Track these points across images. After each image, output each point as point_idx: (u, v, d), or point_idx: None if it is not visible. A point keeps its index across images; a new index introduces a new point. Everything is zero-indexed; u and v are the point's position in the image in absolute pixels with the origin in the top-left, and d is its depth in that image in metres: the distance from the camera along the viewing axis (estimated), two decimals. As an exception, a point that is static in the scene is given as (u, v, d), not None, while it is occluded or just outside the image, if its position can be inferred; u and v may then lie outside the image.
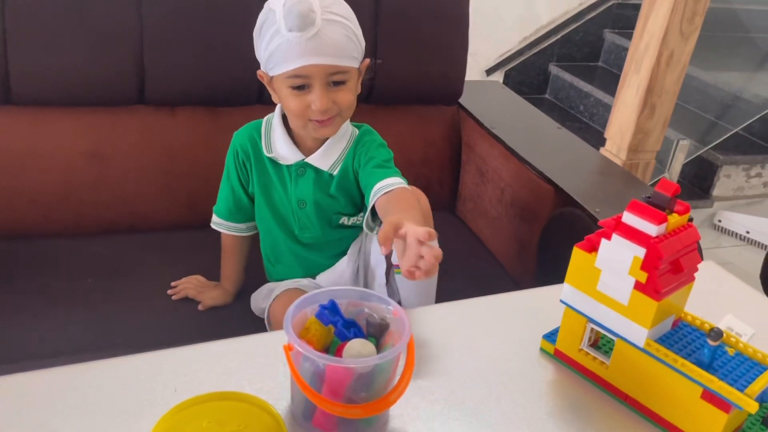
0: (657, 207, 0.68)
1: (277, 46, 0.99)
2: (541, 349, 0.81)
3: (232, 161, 1.17)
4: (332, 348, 0.68)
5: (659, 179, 2.46)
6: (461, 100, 1.68)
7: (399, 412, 0.70)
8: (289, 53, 0.99)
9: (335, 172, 1.11)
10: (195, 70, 1.41)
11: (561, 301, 0.76)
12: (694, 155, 2.77)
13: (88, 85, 1.37)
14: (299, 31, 0.96)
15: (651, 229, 0.67)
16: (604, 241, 0.70)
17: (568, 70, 3.39)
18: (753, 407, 0.63)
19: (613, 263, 0.70)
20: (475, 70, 3.31)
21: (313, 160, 1.10)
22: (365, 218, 1.05)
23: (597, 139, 2.17)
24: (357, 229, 1.18)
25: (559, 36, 3.43)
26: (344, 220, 1.16)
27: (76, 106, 1.39)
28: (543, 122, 1.68)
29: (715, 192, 2.80)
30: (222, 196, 1.23)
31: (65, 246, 1.39)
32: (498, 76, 3.40)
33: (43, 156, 1.38)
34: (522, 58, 3.41)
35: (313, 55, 0.98)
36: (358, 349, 0.66)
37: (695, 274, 0.73)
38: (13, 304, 1.23)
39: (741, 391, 0.64)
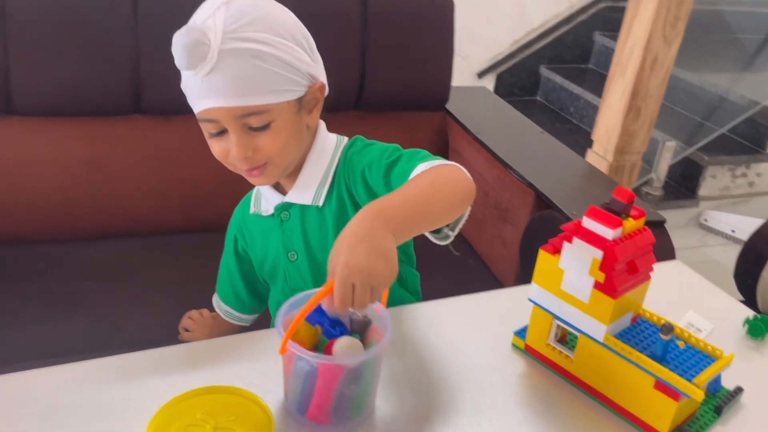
0: (614, 212, 0.74)
1: (185, 82, 0.83)
2: (513, 345, 0.87)
3: (230, 242, 1.06)
4: (321, 346, 0.74)
5: (646, 179, 2.49)
6: (448, 106, 1.73)
7: (380, 402, 0.76)
8: (191, 93, 0.82)
9: (321, 203, 0.91)
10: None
11: (529, 299, 0.82)
12: (681, 156, 2.83)
13: (87, 96, 1.43)
14: (188, 69, 0.79)
15: (608, 233, 0.72)
16: (566, 244, 0.76)
17: (558, 72, 3.45)
18: (699, 395, 0.69)
19: (575, 264, 0.75)
20: (467, 73, 3.36)
21: (292, 197, 0.92)
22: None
23: (587, 141, 2.22)
24: None
25: (550, 39, 3.48)
26: None
27: (75, 116, 1.45)
28: (527, 127, 1.74)
29: (702, 192, 2.86)
30: (221, 277, 1.10)
31: (64, 250, 1.44)
32: (490, 79, 3.46)
33: (43, 163, 1.44)
34: (513, 61, 3.46)
35: (213, 96, 0.80)
36: (346, 346, 0.71)
37: (659, 273, 0.79)
38: (13, 308, 1.28)
39: (689, 381, 0.70)
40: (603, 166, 2.15)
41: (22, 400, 0.73)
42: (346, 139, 0.95)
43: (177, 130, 1.51)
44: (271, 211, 0.95)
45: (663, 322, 0.79)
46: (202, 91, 0.80)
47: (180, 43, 0.77)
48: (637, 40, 2.03)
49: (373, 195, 0.88)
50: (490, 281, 1.50)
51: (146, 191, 1.51)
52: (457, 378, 0.80)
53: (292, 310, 0.73)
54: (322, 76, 0.89)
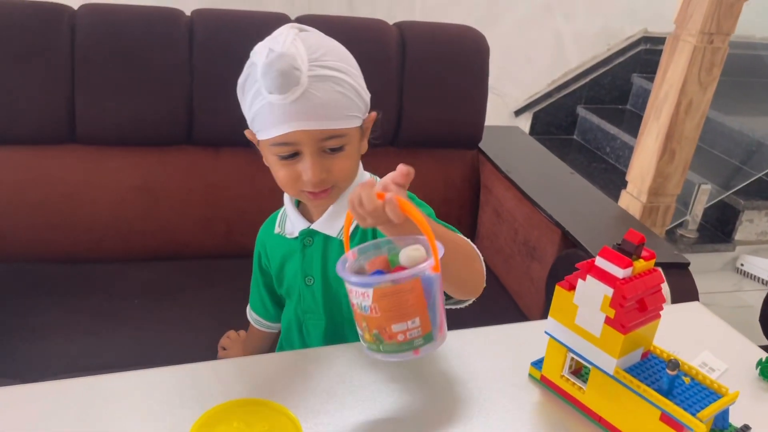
0: (625, 253, 0.79)
1: (260, 109, 0.86)
2: (530, 375, 0.92)
3: (257, 258, 1.11)
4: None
5: (681, 221, 2.50)
6: (481, 145, 1.80)
7: (398, 424, 0.81)
8: (272, 118, 0.84)
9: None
10: (239, 115, 1.56)
11: (545, 332, 0.87)
12: (717, 199, 2.83)
13: (142, 127, 1.54)
14: (280, 94, 0.82)
15: (618, 272, 0.78)
16: (580, 281, 0.81)
17: (595, 112, 3.49)
18: (702, 429, 0.73)
19: (588, 300, 0.81)
20: (504, 111, 3.43)
21: (319, 225, 0.96)
22: None
23: (622, 181, 2.26)
24: None
25: (587, 79, 3.53)
26: None
27: (131, 145, 1.56)
28: (557, 167, 1.79)
29: (738, 236, 2.85)
30: (252, 287, 1.15)
31: (115, 270, 1.54)
32: (527, 118, 3.52)
33: (99, 189, 1.55)
34: (550, 100, 3.52)
35: (300, 119, 0.84)
36: (412, 253, 0.73)
37: (678, 313, 0.83)
38: (67, 322, 1.37)
39: (694, 415, 0.74)
40: (637, 207, 2.18)
41: (66, 406, 0.80)
42: (377, 178, 0.98)
43: (224, 161, 1.61)
44: (295, 234, 0.98)
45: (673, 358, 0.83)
46: (287, 116, 0.83)
47: (275, 68, 0.81)
48: (672, 84, 2.07)
49: None
50: (516, 316, 1.55)
51: (193, 217, 1.60)
52: (473, 403, 0.86)
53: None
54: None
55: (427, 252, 0.74)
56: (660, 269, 0.82)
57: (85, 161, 1.54)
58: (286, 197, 1.00)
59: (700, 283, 1.39)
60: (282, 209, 1.04)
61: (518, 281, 1.61)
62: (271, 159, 0.91)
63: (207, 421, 0.77)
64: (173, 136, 1.57)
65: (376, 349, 0.75)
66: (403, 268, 0.73)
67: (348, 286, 0.74)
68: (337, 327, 1.01)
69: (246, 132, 0.95)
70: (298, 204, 1.01)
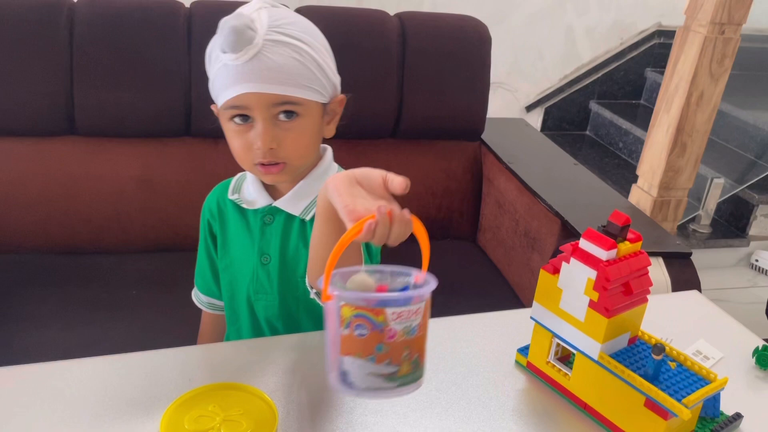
0: (610, 235, 0.77)
1: (217, 72, 0.85)
2: (516, 362, 0.90)
3: (201, 226, 1.05)
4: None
5: (694, 216, 2.45)
6: (484, 136, 1.78)
7: (379, 407, 0.80)
8: (225, 80, 0.84)
9: (308, 218, 0.94)
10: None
11: (531, 317, 0.85)
12: (730, 194, 2.78)
13: (141, 118, 1.54)
14: (233, 53, 0.81)
15: (602, 254, 0.75)
16: (564, 265, 0.79)
17: (608, 107, 3.45)
18: (686, 414, 0.70)
19: (572, 284, 0.79)
20: (515, 107, 3.40)
21: (283, 203, 0.94)
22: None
23: (635, 176, 2.23)
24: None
25: (600, 74, 3.49)
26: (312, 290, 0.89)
27: (130, 137, 1.57)
28: (561, 158, 1.76)
29: (752, 231, 2.79)
30: (199, 266, 1.08)
31: (114, 261, 1.55)
32: (538, 113, 3.48)
33: (98, 180, 1.55)
34: (562, 96, 3.48)
35: (251, 81, 0.82)
36: (361, 279, 0.65)
37: (676, 302, 0.81)
38: (65, 312, 1.38)
39: (679, 401, 0.72)
40: (647, 202, 2.14)
41: (39, 390, 0.79)
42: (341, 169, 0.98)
43: (223, 152, 1.58)
44: (256, 206, 0.95)
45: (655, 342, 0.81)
46: (240, 76, 0.82)
47: (229, 25, 0.80)
48: (683, 75, 2.03)
49: None
50: (516, 308, 1.52)
51: (192, 208, 1.59)
52: (458, 389, 0.84)
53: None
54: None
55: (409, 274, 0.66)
56: (646, 252, 0.79)
57: (84, 153, 1.55)
58: (249, 173, 0.97)
59: (714, 278, 1.36)
60: (236, 177, 1.01)
61: (519, 273, 1.59)
62: (226, 129, 0.89)
63: (182, 404, 0.76)
64: (172, 127, 1.58)
65: (411, 379, 0.65)
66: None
67: (389, 313, 0.62)
68: (290, 309, 0.98)
69: (212, 107, 0.93)
70: None
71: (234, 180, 1.01)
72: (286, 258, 0.96)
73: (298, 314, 0.98)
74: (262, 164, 0.87)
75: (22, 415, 0.75)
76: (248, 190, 0.97)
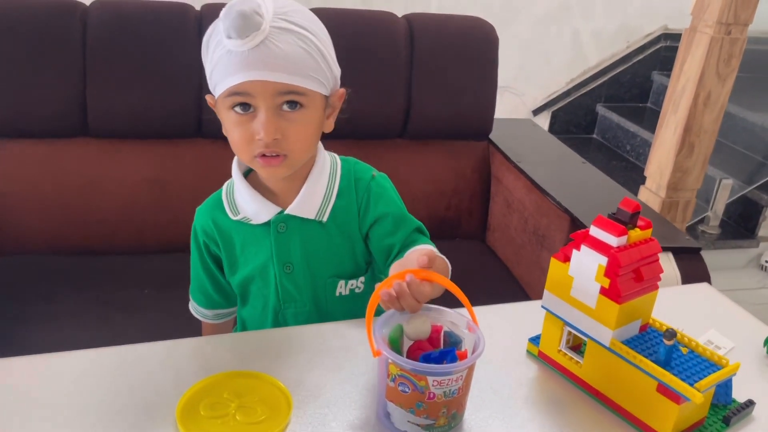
0: (620, 222, 0.78)
1: (219, 59, 0.81)
2: (527, 351, 0.90)
3: (195, 246, 1.03)
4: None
5: (702, 217, 2.45)
6: (492, 136, 1.79)
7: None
8: (229, 67, 0.80)
9: (325, 218, 0.93)
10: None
11: (542, 306, 0.86)
12: (739, 194, 2.77)
13: (154, 120, 1.56)
14: (239, 38, 0.78)
15: (612, 240, 0.76)
16: (575, 252, 0.80)
17: (615, 110, 3.45)
18: (699, 398, 0.71)
19: (583, 271, 0.79)
20: (522, 111, 3.41)
21: (295, 209, 0.91)
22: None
23: (642, 179, 2.23)
24: (358, 301, 0.96)
25: (607, 77, 3.50)
26: (341, 285, 0.96)
27: (143, 138, 1.58)
28: (569, 157, 1.77)
29: (761, 232, 2.78)
30: (197, 283, 1.06)
31: (127, 261, 1.56)
32: (545, 117, 3.49)
33: (112, 181, 1.57)
34: (569, 99, 3.49)
35: (258, 68, 0.79)
36: (416, 324, 0.75)
37: (687, 293, 0.81)
38: (79, 310, 1.39)
39: (692, 385, 0.72)
40: (655, 203, 2.14)
41: (56, 380, 0.81)
42: (337, 156, 0.97)
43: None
44: (263, 220, 0.93)
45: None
46: (245, 63, 0.79)
47: (236, 9, 0.77)
48: (689, 76, 2.04)
49: (375, 235, 0.94)
50: (527, 305, 1.53)
51: (203, 209, 1.61)
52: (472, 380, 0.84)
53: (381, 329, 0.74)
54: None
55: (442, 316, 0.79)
56: (656, 239, 0.80)
57: (97, 154, 1.57)
58: (238, 180, 0.94)
59: (723, 280, 1.36)
60: (220, 192, 0.98)
61: (529, 271, 1.60)
62: (226, 119, 0.86)
63: (198, 391, 0.77)
64: (184, 128, 1.59)
65: (447, 429, 0.74)
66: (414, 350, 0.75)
67: (431, 380, 0.69)
68: (322, 312, 0.97)
69: (207, 97, 0.90)
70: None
71: (224, 198, 0.97)
72: (311, 263, 0.94)
73: (332, 311, 0.97)
74: (263, 156, 0.85)
75: (44, 402, 0.77)
76: (245, 202, 0.93)
